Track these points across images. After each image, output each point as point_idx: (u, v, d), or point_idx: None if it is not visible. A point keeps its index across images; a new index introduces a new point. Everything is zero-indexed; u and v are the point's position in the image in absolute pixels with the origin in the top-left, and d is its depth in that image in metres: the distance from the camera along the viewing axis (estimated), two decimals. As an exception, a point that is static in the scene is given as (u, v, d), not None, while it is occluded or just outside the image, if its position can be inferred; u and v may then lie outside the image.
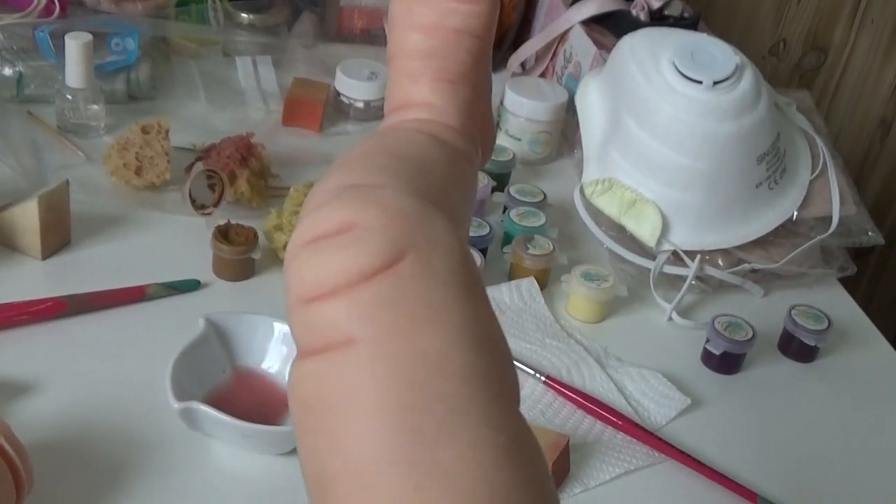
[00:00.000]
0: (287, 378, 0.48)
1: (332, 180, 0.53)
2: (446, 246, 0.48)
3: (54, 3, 1.37)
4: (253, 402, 0.92)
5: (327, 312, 0.46)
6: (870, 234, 1.28)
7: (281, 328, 0.95)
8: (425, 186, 0.54)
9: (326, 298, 0.46)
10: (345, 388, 0.45)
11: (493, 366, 0.47)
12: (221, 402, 0.90)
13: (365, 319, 0.45)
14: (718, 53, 1.20)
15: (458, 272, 0.48)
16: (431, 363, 0.45)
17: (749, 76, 1.18)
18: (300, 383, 0.47)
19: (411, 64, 0.65)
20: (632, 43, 1.23)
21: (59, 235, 1.09)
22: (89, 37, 1.25)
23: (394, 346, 0.45)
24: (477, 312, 0.48)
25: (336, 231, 0.47)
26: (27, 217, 1.06)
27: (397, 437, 0.44)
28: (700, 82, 1.16)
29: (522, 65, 1.57)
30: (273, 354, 0.95)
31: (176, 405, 0.85)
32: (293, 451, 0.89)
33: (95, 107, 1.29)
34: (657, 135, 1.18)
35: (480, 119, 0.68)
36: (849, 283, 1.31)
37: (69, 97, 1.27)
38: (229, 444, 0.90)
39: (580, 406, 1.00)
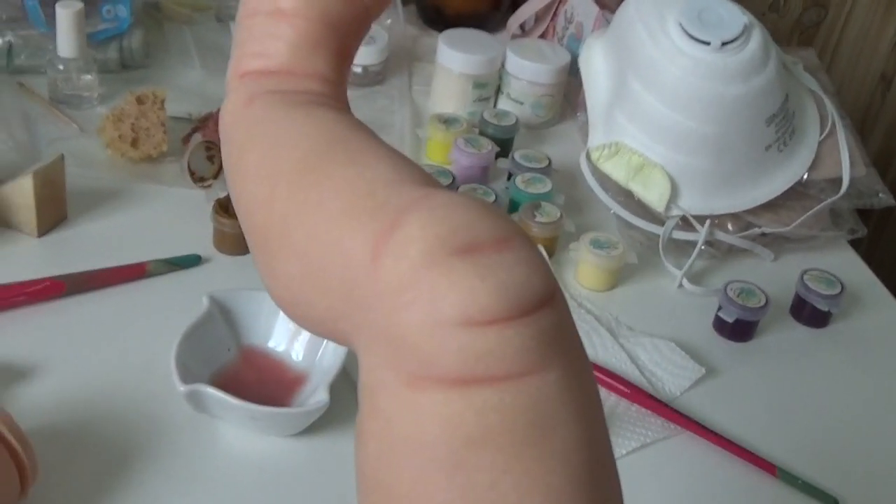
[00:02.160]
0: (418, 408, 0.41)
1: (384, 173, 0.48)
2: None
3: (43, -29, 1.33)
4: (260, 381, 0.90)
5: (512, 339, 0.40)
6: (880, 195, 1.26)
7: (287, 305, 0.93)
8: None
9: (510, 323, 0.40)
10: (540, 421, 0.41)
11: None
12: (228, 382, 0.88)
13: (555, 347, 0.41)
14: (726, 14, 1.17)
15: None
16: (596, 395, 0.43)
17: (757, 36, 1.16)
18: (475, 416, 0.40)
19: (315, 28, 0.58)
20: (637, 4, 1.20)
21: (55, 212, 1.07)
22: (80, 5, 1.21)
23: (577, 377, 0.42)
24: None
25: (495, 244, 0.42)
26: (22, 194, 1.03)
27: (592, 472, 0.41)
28: (708, 43, 1.14)
29: (521, 26, 1.54)
30: (280, 332, 0.93)
31: (182, 388, 0.83)
32: (302, 432, 0.87)
33: (88, 77, 1.26)
34: (664, 98, 1.16)
35: None
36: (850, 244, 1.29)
37: (61, 67, 1.24)
38: (237, 426, 0.87)
39: (593, 378, 0.98)
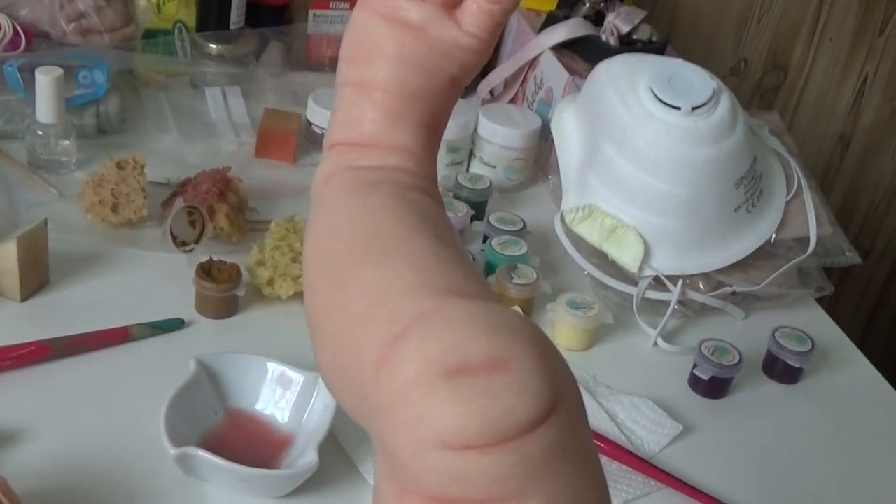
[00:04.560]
0: None
1: (405, 279, 0.49)
2: (575, 380, 0.45)
3: (20, 37, 1.35)
4: (247, 444, 0.90)
5: (489, 465, 0.41)
6: (847, 253, 1.29)
7: (274, 368, 0.94)
8: (485, 283, 0.52)
9: (488, 450, 0.41)
10: None
11: None
12: (215, 444, 0.88)
13: (535, 477, 0.42)
14: (695, 79, 1.20)
15: (584, 405, 0.46)
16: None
17: (726, 101, 1.19)
18: None
19: (395, 101, 0.59)
20: (608, 69, 1.23)
21: (37, 276, 1.07)
22: (60, 71, 1.23)
23: (569, 497, 0.42)
24: None
25: (487, 367, 0.42)
26: (5, 259, 1.03)
27: None
28: (678, 108, 1.17)
29: (491, 91, 1.56)
30: (266, 395, 0.93)
31: (172, 451, 0.83)
32: (291, 494, 0.88)
33: (66, 142, 1.27)
34: (637, 161, 1.18)
35: None
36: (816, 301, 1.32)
37: (40, 133, 1.25)
38: (226, 488, 0.88)
39: (574, 437, 1.00)
